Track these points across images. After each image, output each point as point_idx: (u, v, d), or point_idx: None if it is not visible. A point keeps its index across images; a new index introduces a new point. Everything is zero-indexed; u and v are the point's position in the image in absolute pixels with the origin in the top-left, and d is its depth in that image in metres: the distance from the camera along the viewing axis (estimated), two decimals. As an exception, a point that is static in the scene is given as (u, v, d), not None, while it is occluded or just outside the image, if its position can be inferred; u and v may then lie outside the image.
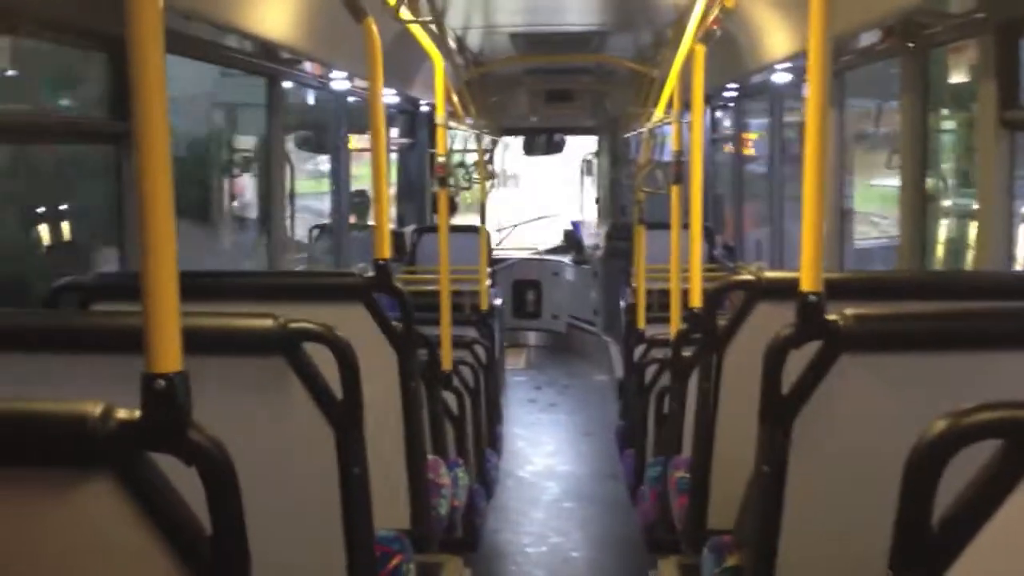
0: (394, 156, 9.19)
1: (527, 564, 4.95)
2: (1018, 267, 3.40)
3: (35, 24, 2.88)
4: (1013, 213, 3.16)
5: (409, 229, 8.75)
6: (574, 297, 10.69)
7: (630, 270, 7.69)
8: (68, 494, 1.19)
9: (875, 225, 6.43)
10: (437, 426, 3.35)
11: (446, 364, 4.11)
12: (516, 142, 11.72)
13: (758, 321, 2.46)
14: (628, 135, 9.00)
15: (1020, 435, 1.08)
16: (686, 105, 4.06)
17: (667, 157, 6.63)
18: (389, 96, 7.06)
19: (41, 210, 4.50)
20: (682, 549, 2.96)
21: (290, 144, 6.54)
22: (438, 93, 4.23)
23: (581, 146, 12.26)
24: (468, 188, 7.48)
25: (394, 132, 9.09)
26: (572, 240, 11.51)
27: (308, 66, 5.06)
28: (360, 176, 7.97)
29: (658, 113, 5.46)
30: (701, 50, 3.52)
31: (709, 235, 7.90)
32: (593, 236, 11.30)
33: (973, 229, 3.58)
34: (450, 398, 4.13)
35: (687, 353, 3.12)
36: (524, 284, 10.74)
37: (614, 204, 10.88)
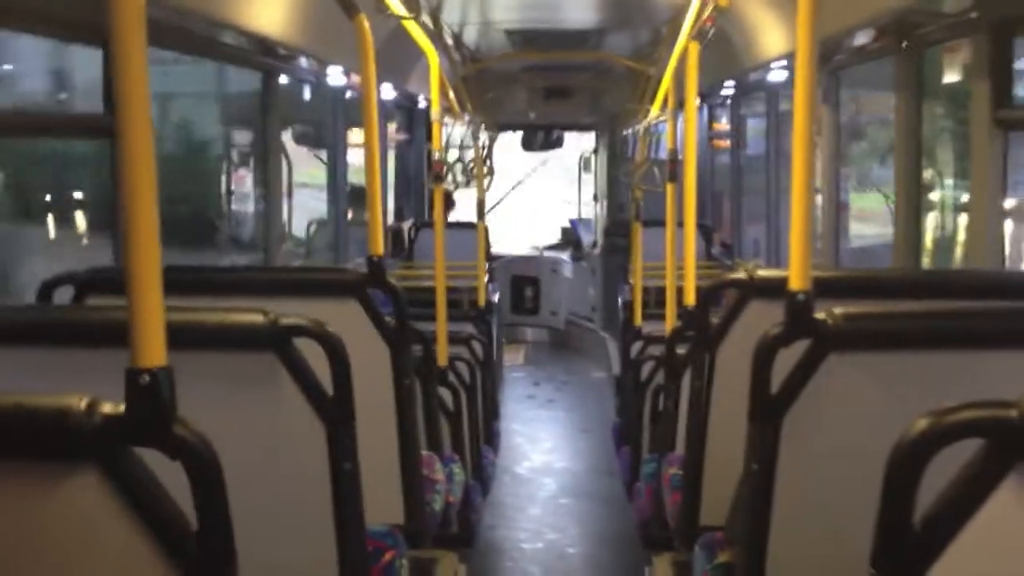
0: (392, 152, 9.19)
1: (523, 560, 4.96)
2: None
3: (27, 18, 2.88)
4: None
5: (407, 224, 8.75)
6: (572, 294, 10.70)
7: (628, 267, 7.70)
8: (52, 488, 1.20)
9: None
10: (432, 422, 3.35)
11: (442, 360, 4.12)
12: (512, 144, 11.70)
13: (750, 319, 2.46)
14: (626, 132, 9.01)
15: (1002, 434, 1.08)
16: (681, 103, 4.06)
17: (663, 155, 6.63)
18: (386, 92, 7.06)
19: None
20: (675, 546, 2.97)
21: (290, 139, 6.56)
22: (433, 89, 4.23)
23: (577, 146, 12.27)
24: (467, 184, 7.49)
25: (393, 128, 9.09)
26: (570, 237, 11.52)
27: (304, 61, 5.06)
28: (362, 171, 7.96)
29: (654, 111, 5.46)
30: (695, 48, 3.52)
31: (707, 233, 7.91)
32: (590, 234, 11.31)
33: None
34: (446, 394, 4.14)
35: (681, 351, 3.13)
36: (523, 280, 10.74)
37: (612, 201, 10.88)
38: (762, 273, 2.49)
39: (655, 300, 6.12)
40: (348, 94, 6.53)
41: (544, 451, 6.97)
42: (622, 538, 5.00)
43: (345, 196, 6.85)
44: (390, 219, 8.89)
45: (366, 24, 2.85)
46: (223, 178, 6.75)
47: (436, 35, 5.75)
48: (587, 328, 10.41)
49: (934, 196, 4.98)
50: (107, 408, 1.18)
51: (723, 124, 8.73)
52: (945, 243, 4.77)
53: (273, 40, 4.12)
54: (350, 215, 7.03)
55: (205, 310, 1.82)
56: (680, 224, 3.91)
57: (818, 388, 1.79)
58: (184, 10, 3.22)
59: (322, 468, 1.90)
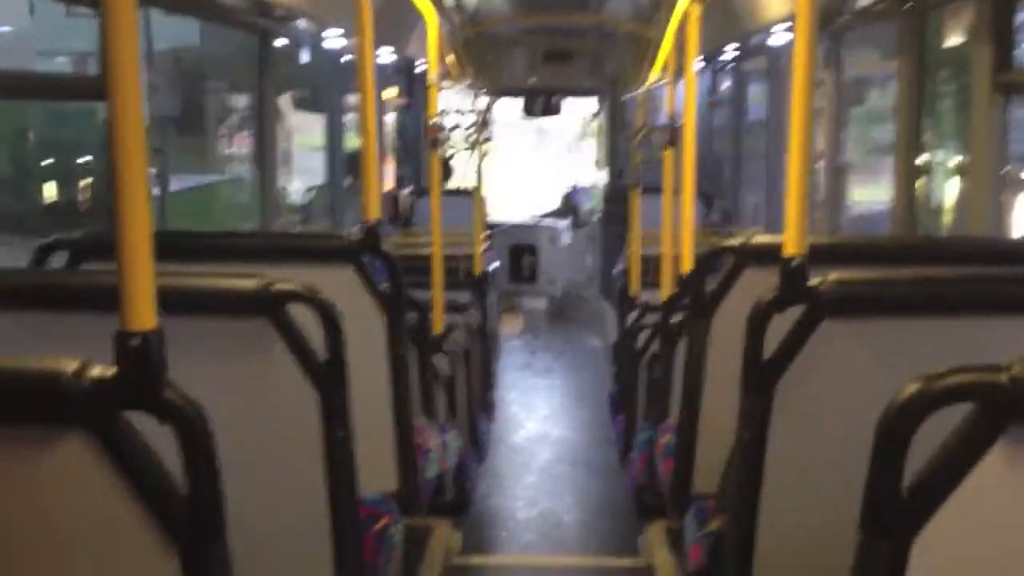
0: (391, 117, 9.13)
1: (517, 528, 4.99)
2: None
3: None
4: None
5: (406, 192, 8.71)
6: (571, 262, 10.67)
7: (626, 235, 7.68)
8: (42, 452, 1.19)
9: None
10: (427, 390, 3.35)
11: (437, 328, 4.12)
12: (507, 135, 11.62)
13: (745, 287, 2.45)
14: (626, 97, 8.94)
15: (992, 398, 1.08)
16: (682, 67, 4.02)
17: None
18: (385, 56, 7.00)
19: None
20: (668, 513, 2.98)
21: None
22: (430, 53, 4.19)
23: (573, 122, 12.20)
24: (468, 149, 7.43)
25: (393, 92, 9.02)
26: (569, 205, 11.47)
27: (302, 23, 5.01)
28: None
29: (654, 74, 5.41)
30: (696, 10, 3.48)
31: (707, 200, 7.87)
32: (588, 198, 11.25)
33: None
34: (442, 363, 4.14)
35: (677, 319, 3.12)
36: (521, 249, 10.72)
37: (613, 168, 10.84)
38: (758, 240, 2.47)
39: (653, 268, 6.11)
40: (347, 58, 6.47)
41: (540, 419, 6.99)
42: (617, 506, 5.03)
43: (343, 162, 6.81)
44: (389, 186, 8.86)
45: None
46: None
47: (435, -2, 5.69)
48: (585, 297, 10.41)
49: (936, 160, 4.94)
50: (97, 371, 1.17)
51: (725, 88, 8.67)
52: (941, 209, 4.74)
53: (269, 0, 4.07)
54: (348, 181, 7.00)
55: (198, 275, 1.82)
56: (678, 191, 3.89)
57: (812, 355, 1.78)
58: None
59: (315, 435, 1.90)
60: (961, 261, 2.34)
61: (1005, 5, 2.96)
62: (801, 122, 1.74)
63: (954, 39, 3.43)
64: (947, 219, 4.56)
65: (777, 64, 6.38)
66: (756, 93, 7.73)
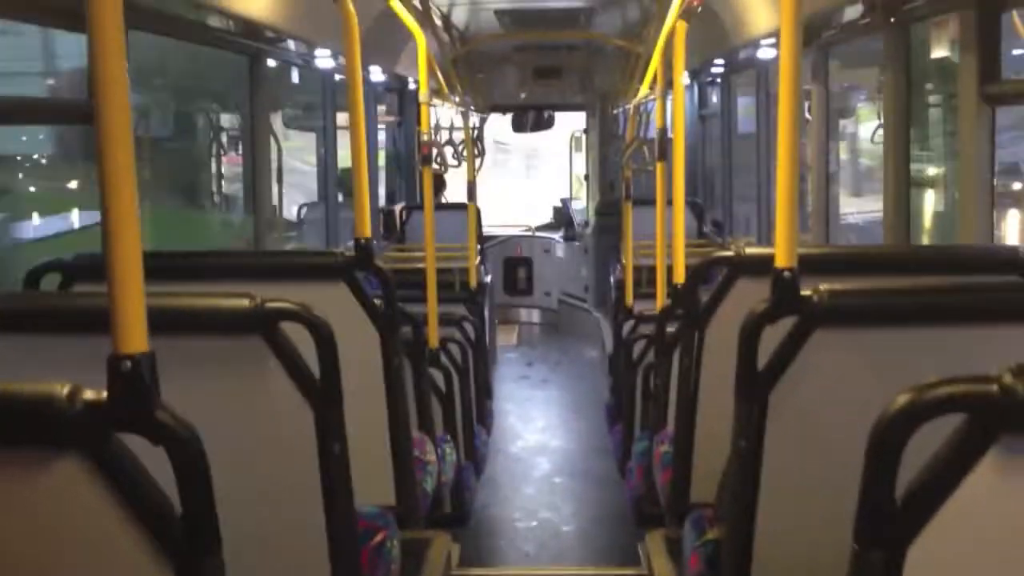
0: (383, 135, 9.16)
1: (517, 539, 4.99)
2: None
3: (13, 4, 2.86)
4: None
5: (398, 207, 8.74)
6: (565, 274, 10.70)
7: (620, 246, 7.70)
8: (36, 475, 1.20)
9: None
10: (423, 403, 3.36)
11: (433, 342, 4.13)
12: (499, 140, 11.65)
13: (738, 297, 2.47)
14: (616, 111, 8.98)
15: (982, 409, 1.08)
16: (670, 82, 4.05)
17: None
18: (376, 74, 7.03)
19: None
20: (667, 523, 2.98)
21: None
22: (421, 70, 4.22)
23: (568, 127, 12.23)
24: (457, 166, 7.46)
25: (383, 110, 9.05)
26: (562, 217, 11.51)
27: (292, 44, 5.03)
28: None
29: (643, 89, 5.45)
30: (682, 26, 3.51)
31: (699, 211, 7.90)
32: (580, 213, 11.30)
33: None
34: (439, 376, 4.14)
35: (671, 329, 3.13)
36: (515, 261, 10.75)
37: (603, 180, 10.87)
38: (750, 251, 2.49)
39: (647, 279, 6.12)
40: (339, 77, 6.50)
41: (537, 431, 6.99)
42: (616, 516, 5.02)
43: (336, 179, 6.83)
44: (381, 202, 8.88)
45: (350, 5, 2.84)
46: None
47: (424, 15, 5.72)
48: (580, 308, 10.42)
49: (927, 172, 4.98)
50: (89, 395, 1.18)
51: (715, 102, 8.72)
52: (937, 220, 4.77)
53: (259, 22, 4.09)
54: (340, 199, 7.01)
55: (191, 295, 1.82)
56: (670, 202, 3.91)
57: (805, 364, 1.79)
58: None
59: (311, 451, 1.90)
60: (953, 270, 2.35)
61: (991, 16, 2.99)
62: (788, 134, 1.76)
63: (941, 51, 3.46)
64: (936, 229, 4.59)
65: (765, 77, 6.42)
66: (746, 105, 7.77)
